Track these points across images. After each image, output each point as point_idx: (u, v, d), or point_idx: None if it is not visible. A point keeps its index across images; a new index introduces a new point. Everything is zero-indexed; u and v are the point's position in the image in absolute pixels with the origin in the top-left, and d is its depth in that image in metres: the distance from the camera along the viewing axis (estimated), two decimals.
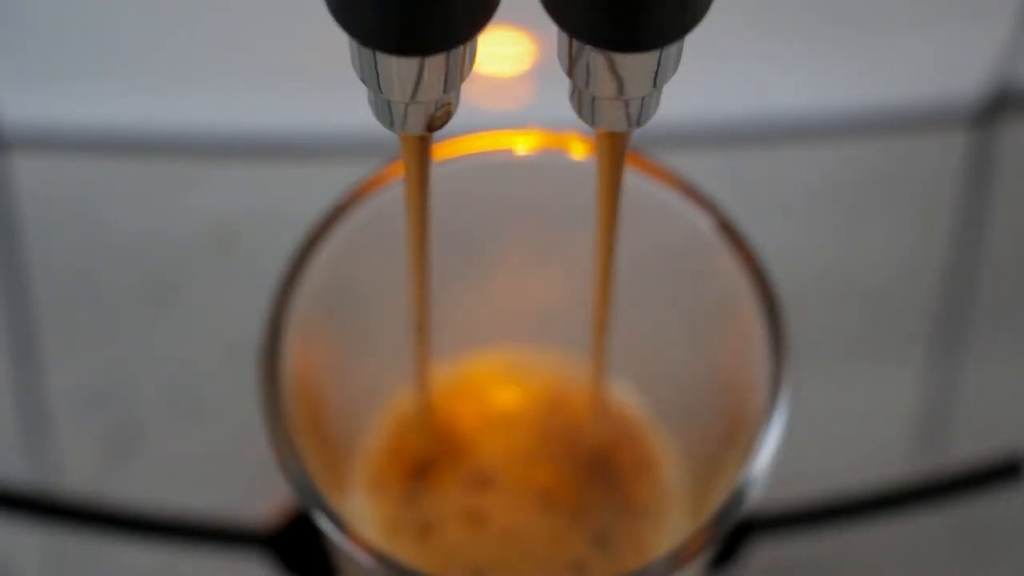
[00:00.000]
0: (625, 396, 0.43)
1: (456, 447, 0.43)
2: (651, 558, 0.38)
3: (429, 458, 0.43)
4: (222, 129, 0.56)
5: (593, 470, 0.43)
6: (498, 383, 0.44)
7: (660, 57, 0.30)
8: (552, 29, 0.30)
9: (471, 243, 0.42)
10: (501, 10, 0.30)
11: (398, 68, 0.30)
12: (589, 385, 0.42)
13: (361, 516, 0.42)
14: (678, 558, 0.36)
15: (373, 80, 0.31)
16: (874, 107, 0.57)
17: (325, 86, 0.53)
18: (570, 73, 0.31)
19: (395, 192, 0.39)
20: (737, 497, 0.37)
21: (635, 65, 0.30)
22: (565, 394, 0.44)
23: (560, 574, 0.41)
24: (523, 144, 0.41)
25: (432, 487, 0.42)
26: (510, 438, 0.43)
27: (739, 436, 0.39)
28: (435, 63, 0.30)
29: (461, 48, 0.30)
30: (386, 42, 0.29)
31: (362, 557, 0.36)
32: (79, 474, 0.51)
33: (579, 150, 0.40)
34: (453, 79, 0.31)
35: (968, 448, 0.51)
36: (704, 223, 0.39)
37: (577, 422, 0.43)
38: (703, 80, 0.49)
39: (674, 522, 0.42)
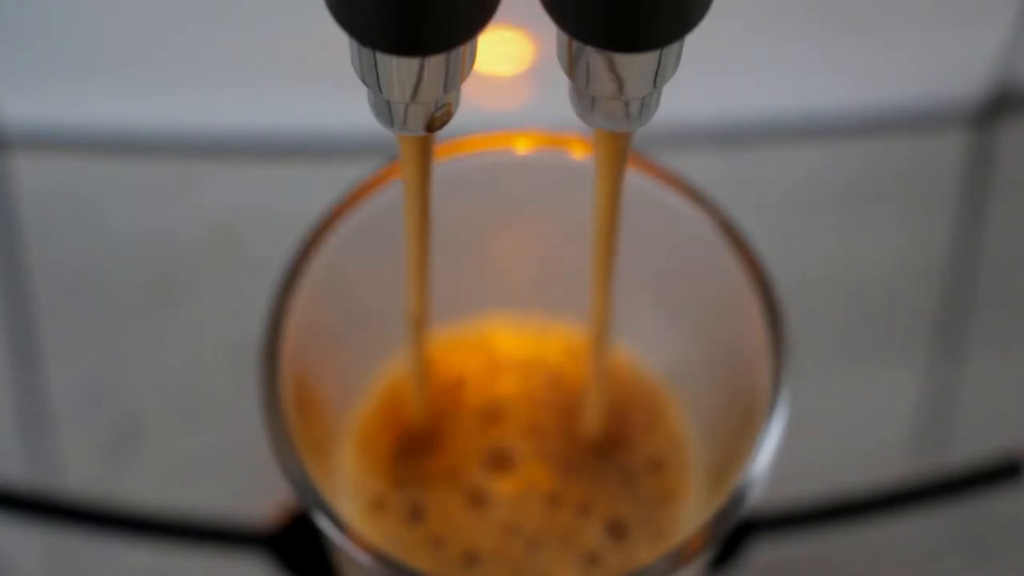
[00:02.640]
0: (644, 376, 0.43)
1: (455, 429, 0.43)
2: (671, 547, 0.37)
3: (425, 438, 0.42)
4: (222, 129, 0.56)
5: (607, 453, 0.42)
6: (500, 368, 0.44)
7: (660, 57, 0.30)
8: (552, 29, 0.30)
9: (471, 243, 0.42)
10: (501, 10, 0.30)
11: (398, 68, 0.30)
12: (591, 380, 0.42)
13: (351, 496, 0.41)
14: (678, 558, 0.36)
15: (373, 80, 0.31)
16: (874, 107, 0.57)
17: (325, 86, 0.53)
18: (570, 73, 0.31)
19: (395, 192, 0.39)
20: (737, 497, 0.37)
21: (635, 65, 0.30)
22: (570, 377, 0.43)
23: (571, 567, 0.41)
24: (523, 144, 0.41)
25: (428, 468, 0.42)
26: (515, 420, 0.43)
27: (750, 430, 0.38)
28: (435, 63, 0.30)
29: (461, 48, 0.30)
30: (386, 42, 0.29)
31: (362, 557, 0.36)
32: (79, 474, 0.51)
33: (579, 150, 0.40)
34: (453, 79, 0.31)
35: (968, 448, 0.51)
36: (704, 223, 0.39)
37: (585, 403, 0.43)
38: (703, 80, 0.49)
39: (695, 509, 0.41)
